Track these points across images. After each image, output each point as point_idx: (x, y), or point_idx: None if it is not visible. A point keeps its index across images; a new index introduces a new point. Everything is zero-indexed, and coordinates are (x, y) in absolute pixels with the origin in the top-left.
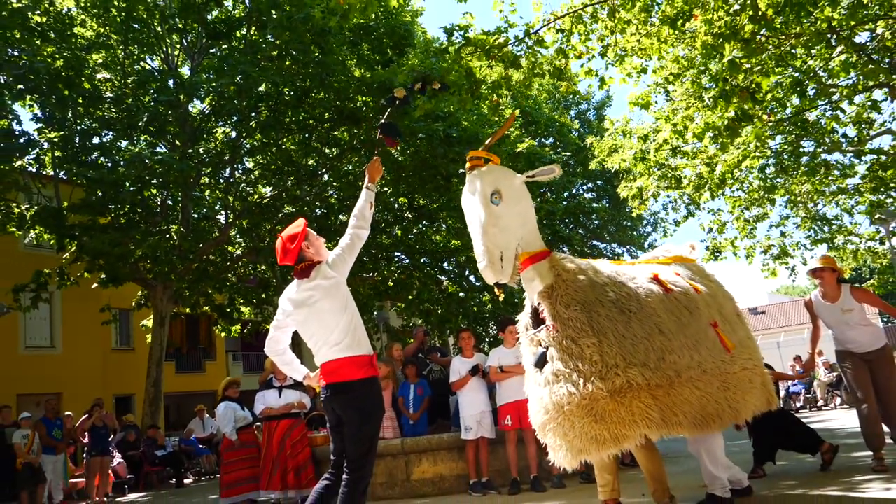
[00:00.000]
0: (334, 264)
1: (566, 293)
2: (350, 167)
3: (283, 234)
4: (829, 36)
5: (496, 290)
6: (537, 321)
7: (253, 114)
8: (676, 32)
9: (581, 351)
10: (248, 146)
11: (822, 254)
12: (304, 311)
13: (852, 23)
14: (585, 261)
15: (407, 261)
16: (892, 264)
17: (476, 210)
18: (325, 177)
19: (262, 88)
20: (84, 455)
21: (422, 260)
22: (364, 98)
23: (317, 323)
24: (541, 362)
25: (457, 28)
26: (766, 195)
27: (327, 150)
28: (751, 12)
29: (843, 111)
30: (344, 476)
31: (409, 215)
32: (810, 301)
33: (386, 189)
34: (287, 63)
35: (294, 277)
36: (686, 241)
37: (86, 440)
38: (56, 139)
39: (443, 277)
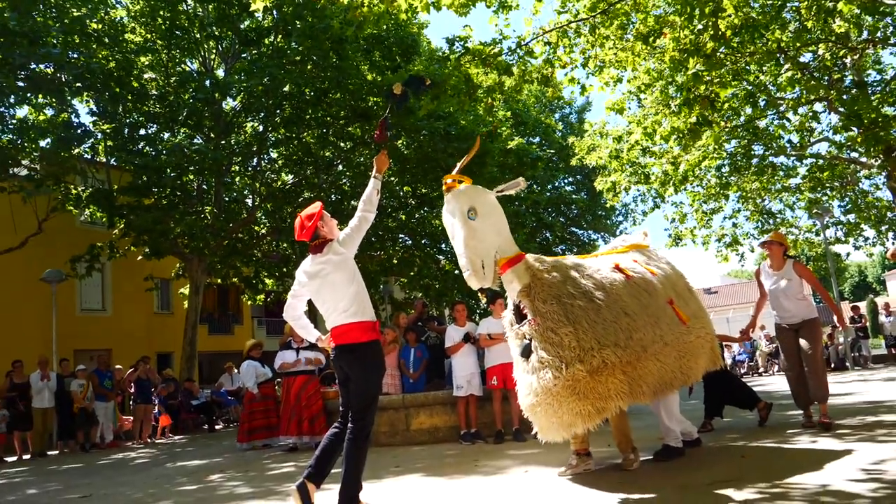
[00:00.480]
0: (344, 242)
1: (542, 290)
2: (362, 159)
3: (301, 213)
4: (778, 55)
5: (480, 294)
6: (520, 317)
7: (278, 111)
8: (648, 48)
9: (560, 339)
10: (273, 139)
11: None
12: (317, 282)
13: (798, 44)
14: (554, 258)
15: (409, 242)
16: (825, 253)
17: (456, 226)
18: (340, 167)
19: (286, 89)
20: (130, 403)
21: (422, 241)
22: (375, 99)
23: (328, 292)
24: (526, 353)
25: (457, 39)
26: (722, 191)
27: (342, 144)
28: (712, 32)
29: (789, 120)
30: (349, 425)
31: (412, 202)
32: (758, 270)
33: (392, 179)
34: (308, 67)
35: (309, 252)
36: (641, 230)
37: (132, 390)
38: (108, 130)
39: (441, 257)
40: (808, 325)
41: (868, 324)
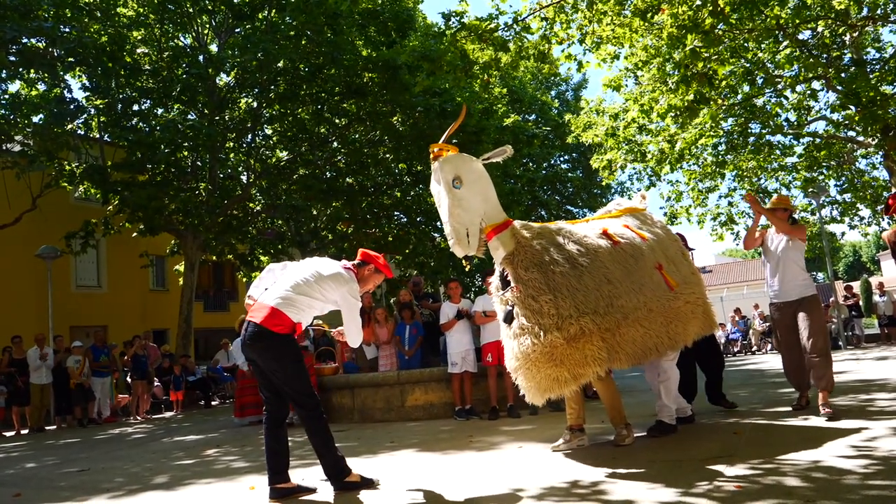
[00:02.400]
0: (339, 295)
1: (525, 257)
2: (357, 136)
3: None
4: (776, 32)
5: (464, 262)
6: (505, 283)
7: (272, 86)
8: (646, 24)
9: (540, 307)
10: (267, 115)
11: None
12: (297, 268)
13: (797, 21)
14: (541, 224)
15: (405, 219)
16: (819, 233)
17: (441, 195)
18: (335, 144)
19: (280, 64)
20: (128, 379)
21: (418, 219)
22: (370, 75)
23: (289, 272)
24: (508, 318)
25: (453, 14)
26: (718, 170)
27: (337, 120)
28: (711, 8)
29: (786, 98)
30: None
31: (408, 179)
32: (763, 232)
33: (388, 156)
34: (303, 42)
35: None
36: (640, 192)
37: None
38: (101, 106)
39: (436, 234)
40: (807, 303)
41: (862, 303)
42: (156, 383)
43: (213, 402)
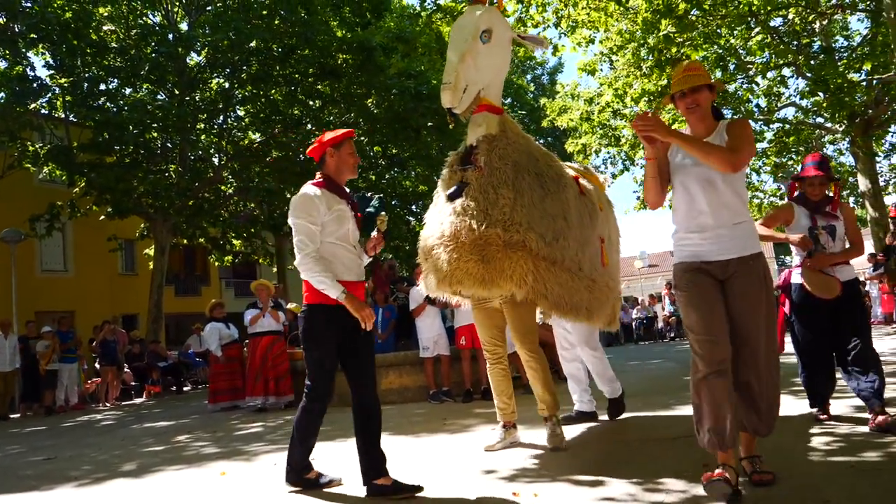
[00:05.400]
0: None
1: (505, 147)
2: (331, 118)
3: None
4: (748, 19)
5: (448, 117)
6: (466, 160)
7: (244, 67)
8: (621, 8)
9: (497, 199)
10: (239, 96)
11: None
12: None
13: (769, 8)
14: (531, 136)
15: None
16: None
17: (463, 38)
18: (309, 126)
19: (252, 44)
20: (96, 365)
21: (393, 202)
22: (344, 56)
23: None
24: (456, 194)
25: None
26: None
27: (311, 102)
28: None
29: (757, 85)
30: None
31: (383, 162)
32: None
33: (363, 138)
34: (276, 22)
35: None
36: (607, 173)
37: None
38: (66, 85)
39: (411, 218)
40: (745, 269)
41: None
42: (125, 369)
43: (185, 388)
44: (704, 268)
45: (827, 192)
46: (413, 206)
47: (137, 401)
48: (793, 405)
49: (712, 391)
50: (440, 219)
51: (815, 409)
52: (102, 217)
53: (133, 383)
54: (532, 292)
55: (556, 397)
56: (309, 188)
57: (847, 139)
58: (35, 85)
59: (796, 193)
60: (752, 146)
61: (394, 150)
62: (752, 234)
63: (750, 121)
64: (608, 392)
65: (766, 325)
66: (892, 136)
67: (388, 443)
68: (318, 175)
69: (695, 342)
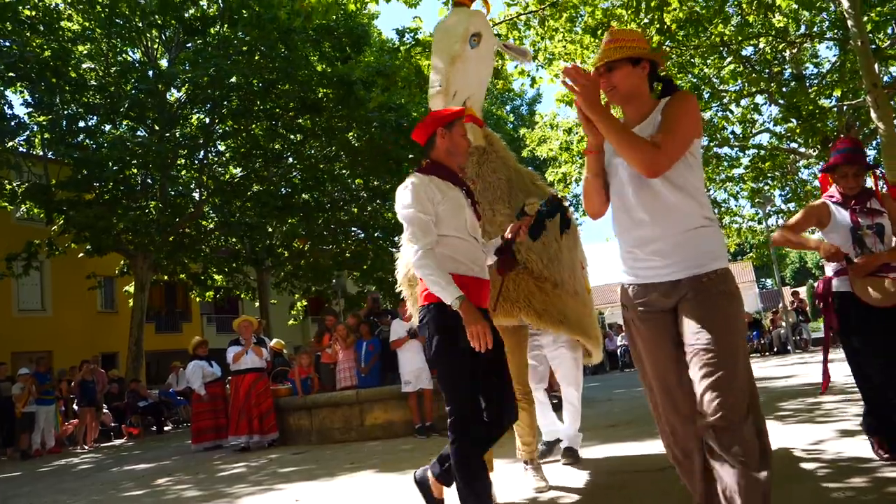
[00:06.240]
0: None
1: (496, 161)
2: (312, 152)
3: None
4: (721, 48)
5: None
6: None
7: (225, 102)
8: (596, 41)
9: (493, 216)
10: (220, 131)
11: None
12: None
13: (740, 38)
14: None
15: (362, 235)
16: (767, 240)
17: (452, 40)
18: (290, 160)
19: (233, 80)
20: (74, 406)
21: (375, 234)
22: (325, 90)
23: None
24: None
25: (408, 30)
26: None
27: (291, 136)
28: (658, 26)
29: (732, 112)
30: None
31: (365, 194)
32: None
33: (344, 171)
34: (256, 57)
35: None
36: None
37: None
38: (45, 122)
39: (394, 250)
40: (701, 291)
41: (808, 308)
42: (104, 410)
43: (166, 428)
44: (652, 298)
45: (865, 184)
46: (395, 238)
47: (117, 442)
48: (853, 447)
49: (688, 476)
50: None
51: (885, 455)
52: (81, 255)
53: (113, 424)
54: (538, 318)
55: (536, 440)
56: (415, 176)
57: (821, 163)
58: (13, 123)
59: (831, 188)
60: (686, 132)
61: (375, 182)
62: (711, 243)
63: (726, 147)
64: (570, 439)
65: (730, 352)
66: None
67: (373, 481)
68: (423, 162)
69: (655, 417)
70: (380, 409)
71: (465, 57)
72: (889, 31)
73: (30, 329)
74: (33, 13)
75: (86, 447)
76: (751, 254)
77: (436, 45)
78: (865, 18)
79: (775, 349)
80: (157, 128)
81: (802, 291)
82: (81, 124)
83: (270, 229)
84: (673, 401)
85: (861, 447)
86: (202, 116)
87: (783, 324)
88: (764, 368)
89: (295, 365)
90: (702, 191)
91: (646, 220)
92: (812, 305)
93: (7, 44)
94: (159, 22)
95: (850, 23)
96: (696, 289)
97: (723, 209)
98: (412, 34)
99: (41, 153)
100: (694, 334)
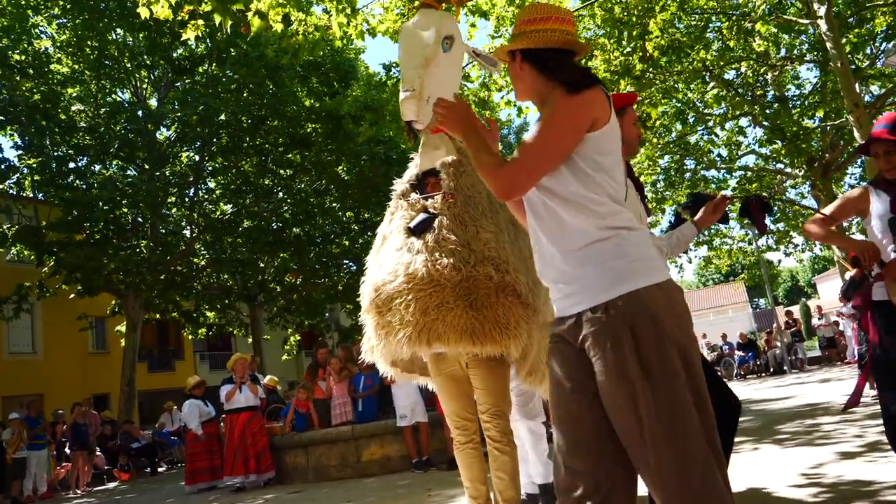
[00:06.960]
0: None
1: (474, 174)
2: (302, 186)
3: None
4: (703, 73)
5: (406, 133)
6: (424, 188)
7: (214, 140)
8: None
9: (476, 233)
10: (210, 168)
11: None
12: None
13: (722, 63)
14: None
15: (354, 267)
16: (757, 261)
17: (423, 42)
18: (280, 194)
19: (222, 117)
20: (66, 450)
21: (367, 267)
22: (314, 125)
23: None
24: (423, 227)
25: (394, 65)
26: (658, 205)
27: (281, 171)
28: (641, 54)
29: (717, 135)
30: None
31: (356, 227)
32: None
33: (334, 205)
34: (244, 95)
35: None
36: None
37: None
38: (35, 164)
39: None
40: (599, 328)
41: (802, 327)
42: (97, 452)
43: (160, 469)
44: (563, 332)
45: None
46: None
47: (110, 485)
48: (854, 469)
49: None
50: (398, 259)
51: None
52: (72, 296)
53: (106, 467)
54: (527, 348)
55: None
56: None
57: (808, 183)
58: (3, 166)
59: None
60: (548, 137)
61: (366, 215)
62: (612, 260)
63: (713, 169)
64: (540, 475)
65: (654, 416)
66: (850, 177)
67: None
68: None
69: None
70: (376, 444)
71: (437, 61)
72: (867, 51)
73: (20, 372)
74: (23, 57)
75: (78, 491)
76: (743, 274)
77: (405, 46)
78: (844, 40)
79: (771, 370)
80: (146, 167)
81: (796, 310)
82: (71, 165)
83: (262, 264)
84: (572, 471)
85: (862, 470)
86: (192, 154)
87: (778, 344)
88: (760, 390)
89: (292, 400)
90: (599, 199)
91: (544, 244)
92: (807, 325)
93: None
94: (148, 62)
95: (829, 45)
96: (594, 327)
97: (712, 231)
98: (399, 68)
99: (31, 195)
100: (600, 387)
